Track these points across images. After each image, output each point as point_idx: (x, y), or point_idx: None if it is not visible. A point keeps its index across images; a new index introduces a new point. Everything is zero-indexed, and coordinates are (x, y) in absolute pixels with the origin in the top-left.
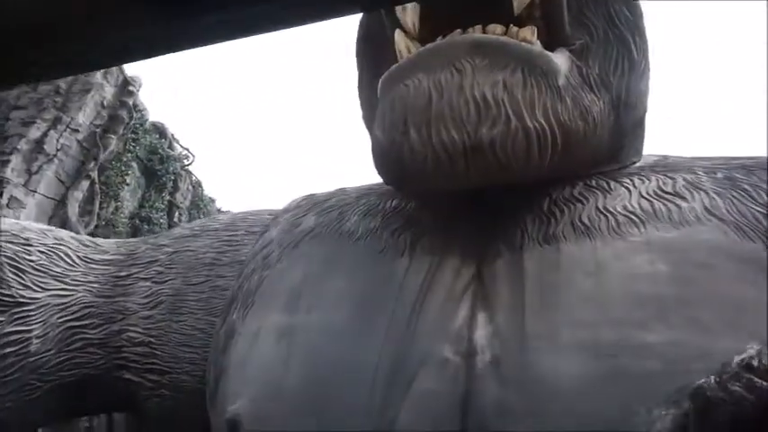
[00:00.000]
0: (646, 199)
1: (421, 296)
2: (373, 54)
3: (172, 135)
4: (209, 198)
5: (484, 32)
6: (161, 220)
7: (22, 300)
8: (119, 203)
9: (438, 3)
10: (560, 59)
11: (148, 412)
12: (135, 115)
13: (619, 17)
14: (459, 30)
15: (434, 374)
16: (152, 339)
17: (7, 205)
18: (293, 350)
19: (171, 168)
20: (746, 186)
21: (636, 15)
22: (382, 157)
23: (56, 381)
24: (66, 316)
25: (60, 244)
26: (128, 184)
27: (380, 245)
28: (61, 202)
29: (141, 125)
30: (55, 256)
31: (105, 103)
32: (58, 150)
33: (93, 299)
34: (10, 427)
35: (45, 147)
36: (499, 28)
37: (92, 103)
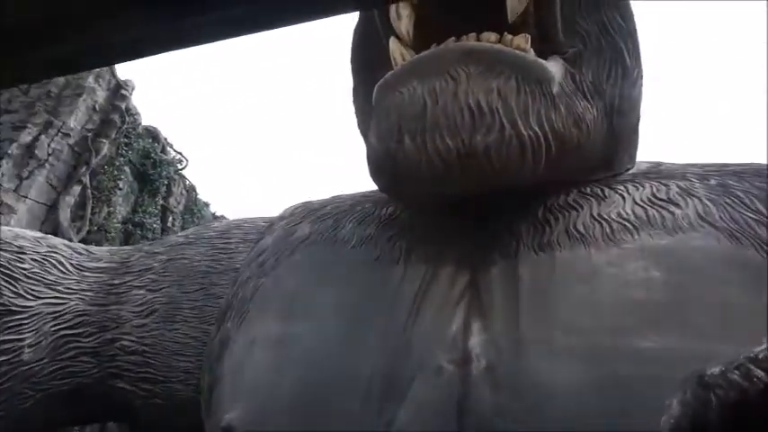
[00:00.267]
0: (639, 206)
1: (416, 304)
2: (368, 61)
3: (165, 139)
4: (203, 203)
5: (478, 40)
6: (154, 226)
7: (14, 308)
8: (111, 209)
9: (432, 5)
10: (554, 67)
11: (142, 421)
12: (127, 119)
13: (612, 25)
14: (453, 38)
15: (429, 383)
16: (146, 348)
17: None
18: (288, 359)
19: (164, 173)
20: (739, 193)
21: (629, 23)
22: (377, 165)
23: (48, 390)
24: (59, 324)
25: (54, 252)
26: (120, 189)
27: (375, 252)
28: (53, 208)
29: (134, 129)
30: (48, 264)
31: (97, 106)
32: (49, 155)
33: (86, 307)
34: None
35: (36, 151)
36: (493, 36)
37: (83, 107)
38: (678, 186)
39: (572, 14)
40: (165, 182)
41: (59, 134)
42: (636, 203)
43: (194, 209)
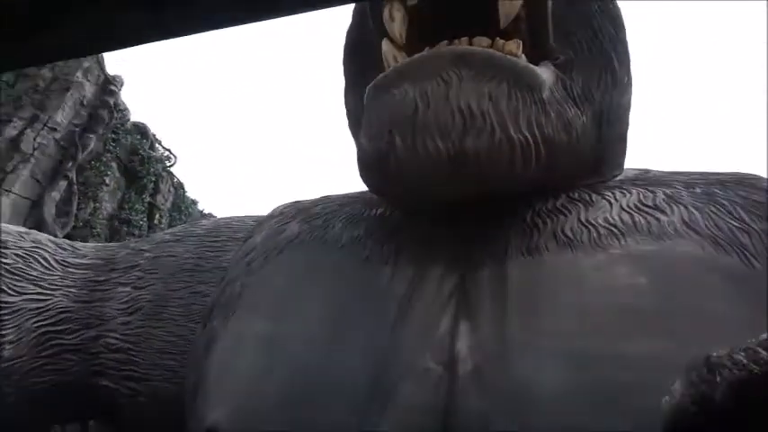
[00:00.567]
0: (626, 212)
1: (404, 305)
2: (360, 63)
3: (153, 135)
4: (191, 200)
5: (470, 45)
6: (141, 222)
7: None
8: (97, 204)
9: (425, 9)
10: (545, 73)
11: (125, 420)
12: (116, 115)
13: (602, 33)
14: (445, 41)
15: (416, 384)
16: (130, 346)
17: None
18: (274, 359)
19: (152, 169)
20: (723, 201)
21: (619, 32)
22: (367, 165)
23: (28, 387)
24: (41, 321)
25: (37, 247)
26: (107, 185)
27: (364, 253)
28: (37, 203)
29: (122, 125)
30: (31, 260)
31: (85, 101)
32: (34, 149)
33: (69, 304)
34: None
35: (21, 145)
36: (485, 40)
37: (71, 102)
38: (665, 194)
39: (563, 22)
40: (153, 179)
41: (45, 128)
42: (623, 209)
43: (182, 206)
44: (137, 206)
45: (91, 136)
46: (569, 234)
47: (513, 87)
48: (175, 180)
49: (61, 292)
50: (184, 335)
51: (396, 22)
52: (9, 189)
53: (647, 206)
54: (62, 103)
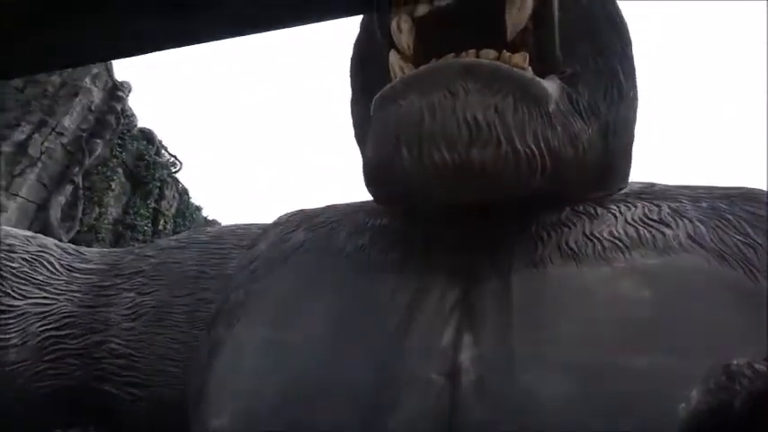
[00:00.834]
0: (631, 225)
1: (407, 316)
2: (367, 74)
3: (160, 141)
4: (196, 206)
5: (477, 57)
6: (145, 228)
7: (0, 307)
8: (102, 209)
9: (432, 21)
10: (551, 86)
11: (126, 426)
12: (123, 121)
13: (609, 46)
14: (452, 53)
15: (419, 395)
16: (133, 352)
17: None
18: (278, 366)
19: (157, 175)
20: (729, 216)
21: (626, 46)
22: (372, 175)
23: (32, 391)
24: (45, 325)
25: (44, 251)
26: (113, 190)
27: (368, 263)
28: (43, 207)
29: (129, 131)
30: (37, 264)
31: (93, 107)
32: (42, 154)
33: (74, 308)
34: None
35: (29, 150)
36: (492, 53)
37: (79, 107)
38: (670, 207)
39: (570, 35)
40: (158, 184)
41: (53, 133)
42: (628, 223)
43: (187, 212)
44: (141, 211)
45: (98, 141)
46: (574, 247)
47: (519, 100)
48: (180, 186)
49: (66, 296)
50: (188, 341)
51: (403, 33)
52: (16, 192)
53: (652, 220)
54: (70, 109)
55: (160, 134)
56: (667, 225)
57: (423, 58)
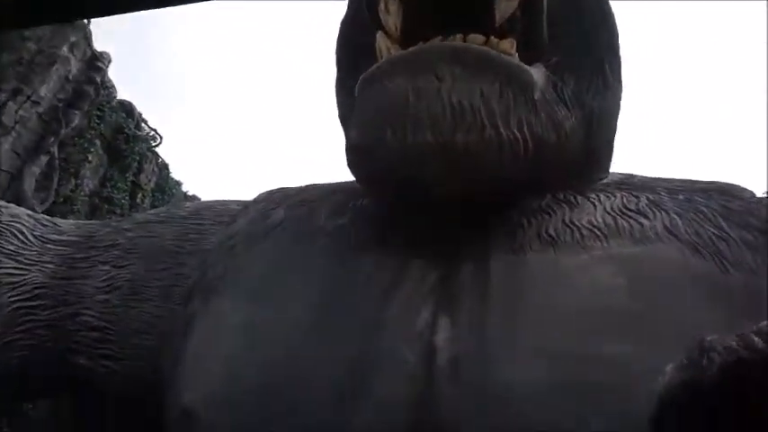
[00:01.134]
0: (610, 215)
1: (384, 297)
2: (353, 54)
3: (139, 114)
4: (176, 181)
5: (464, 41)
6: (123, 201)
7: None
8: (78, 181)
9: (420, 3)
10: (537, 74)
11: (100, 399)
12: (102, 92)
13: (596, 37)
14: (440, 37)
15: (393, 377)
16: (107, 324)
17: None
18: (254, 345)
19: (137, 149)
20: (704, 209)
21: (613, 37)
22: (355, 156)
23: (2, 362)
24: (16, 296)
25: (15, 221)
26: (89, 162)
27: (348, 243)
28: (17, 177)
29: (108, 102)
30: (8, 234)
31: (70, 77)
32: (16, 122)
33: (46, 279)
34: None
35: (2, 118)
36: (480, 38)
37: (55, 76)
38: (648, 199)
39: (557, 23)
40: (137, 158)
41: (28, 102)
42: (606, 212)
43: (166, 187)
44: (119, 185)
45: (75, 112)
46: (553, 234)
47: (505, 86)
48: (160, 161)
49: (38, 267)
50: (163, 316)
51: (391, 14)
52: None
53: (630, 210)
54: (47, 77)
55: (140, 107)
56: (645, 216)
57: (410, 40)
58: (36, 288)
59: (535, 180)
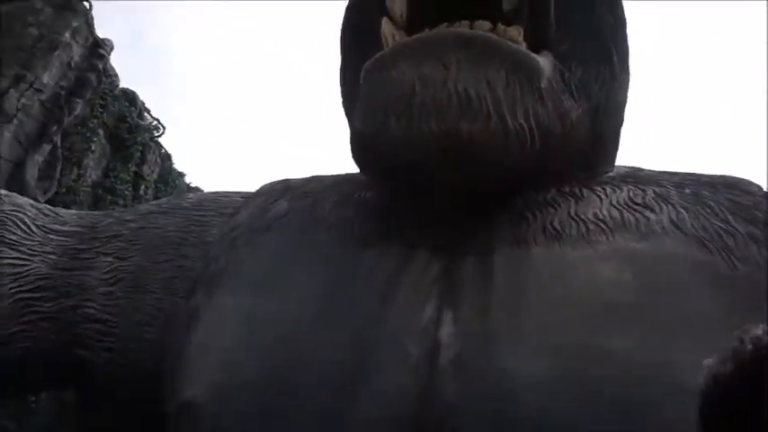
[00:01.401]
0: (616, 208)
1: (388, 290)
2: (358, 41)
3: (142, 104)
4: (179, 172)
5: (471, 28)
6: (126, 192)
7: None
8: (81, 171)
9: None
10: (544, 62)
11: (101, 391)
12: (104, 80)
13: (604, 28)
14: (446, 23)
15: (397, 368)
16: (110, 317)
17: None
18: (257, 337)
19: (139, 139)
20: (711, 203)
21: (621, 28)
22: (360, 145)
23: (4, 354)
24: (18, 287)
25: (18, 211)
26: (92, 152)
27: (351, 234)
28: (19, 166)
29: (110, 91)
30: (11, 224)
31: (73, 64)
32: (18, 110)
33: (49, 270)
34: None
35: (5, 106)
36: (486, 24)
37: (58, 63)
38: (654, 192)
39: (565, 12)
40: (140, 148)
41: (31, 89)
42: (612, 206)
43: (169, 178)
44: (122, 175)
45: (78, 100)
46: (558, 227)
47: (511, 75)
48: (163, 151)
49: (40, 257)
50: (166, 308)
51: (396, 0)
52: None
53: (636, 204)
54: (49, 64)
55: (143, 96)
56: (651, 209)
57: (415, 26)
58: (38, 279)
59: (540, 170)
